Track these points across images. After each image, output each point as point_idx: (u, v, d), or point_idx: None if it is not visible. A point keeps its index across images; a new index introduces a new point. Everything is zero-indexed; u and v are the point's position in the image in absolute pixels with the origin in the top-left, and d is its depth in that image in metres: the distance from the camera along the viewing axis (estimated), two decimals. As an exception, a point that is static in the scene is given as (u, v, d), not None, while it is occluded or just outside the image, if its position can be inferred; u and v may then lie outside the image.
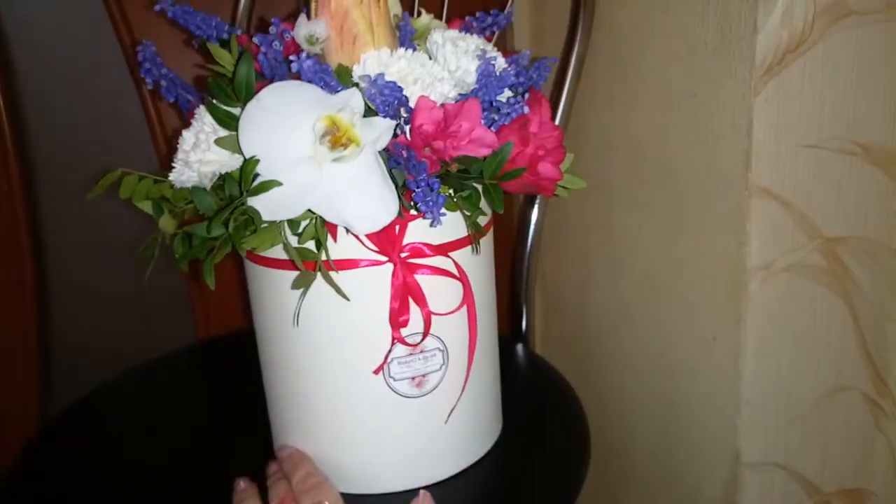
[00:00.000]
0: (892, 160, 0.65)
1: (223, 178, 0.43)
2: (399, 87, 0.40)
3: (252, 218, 0.40)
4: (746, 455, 0.69)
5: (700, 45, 0.65)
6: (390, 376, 0.48)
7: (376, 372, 0.47)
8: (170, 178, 0.44)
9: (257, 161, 0.40)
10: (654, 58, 0.71)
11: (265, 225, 0.41)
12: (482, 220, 0.48)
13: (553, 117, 0.74)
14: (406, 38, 0.47)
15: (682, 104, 0.68)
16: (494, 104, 0.45)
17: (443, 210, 0.41)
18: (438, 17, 0.78)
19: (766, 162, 0.62)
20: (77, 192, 0.88)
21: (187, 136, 0.44)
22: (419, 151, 0.42)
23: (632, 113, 0.75)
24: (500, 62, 0.48)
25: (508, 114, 0.44)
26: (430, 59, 0.47)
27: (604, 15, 0.76)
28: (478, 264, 0.50)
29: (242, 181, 0.40)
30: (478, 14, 0.51)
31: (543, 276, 0.99)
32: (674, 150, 0.70)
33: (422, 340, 0.47)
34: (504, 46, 0.93)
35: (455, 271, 0.48)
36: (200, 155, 0.42)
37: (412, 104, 0.42)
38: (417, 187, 0.40)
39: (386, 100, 0.40)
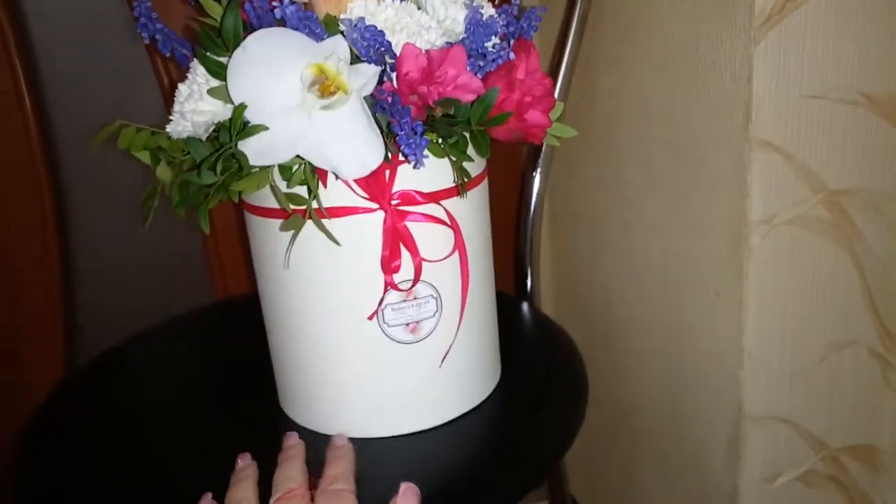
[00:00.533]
0: (899, 110, 0.64)
1: (218, 129, 0.45)
2: (380, 31, 0.41)
3: (241, 164, 0.41)
4: (750, 409, 0.70)
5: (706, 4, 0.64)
6: (384, 322, 0.49)
7: (370, 318, 0.49)
8: (167, 130, 0.46)
9: (245, 107, 0.41)
10: (658, 14, 0.70)
11: (256, 169, 0.42)
12: (473, 168, 0.49)
13: (556, 75, 0.74)
14: None
15: (685, 60, 0.68)
16: (481, 51, 0.45)
17: (427, 153, 0.42)
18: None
19: (767, 113, 0.61)
20: (96, 159, 0.92)
21: (182, 89, 0.46)
22: (405, 97, 0.43)
23: (638, 72, 0.75)
24: (489, 11, 0.48)
25: (494, 60, 0.45)
26: (420, 9, 0.48)
27: None
28: (471, 212, 0.51)
29: (231, 127, 0.41)
30: None
31: (555, 236, 1.00)
32: (677, 106, 0.70)
33: (412, 286, 0.48)
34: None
35: (446, 218, 0.49)
36: (194, 105, 0.44)
37: (398, 52, 0.43)
38: (401, 130, 0.41)
39: (368, 44, 0.41)
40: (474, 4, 0.46)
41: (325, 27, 0.43)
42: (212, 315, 0.80)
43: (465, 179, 0.46)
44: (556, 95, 0.75)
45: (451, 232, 0.49)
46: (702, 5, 0.64)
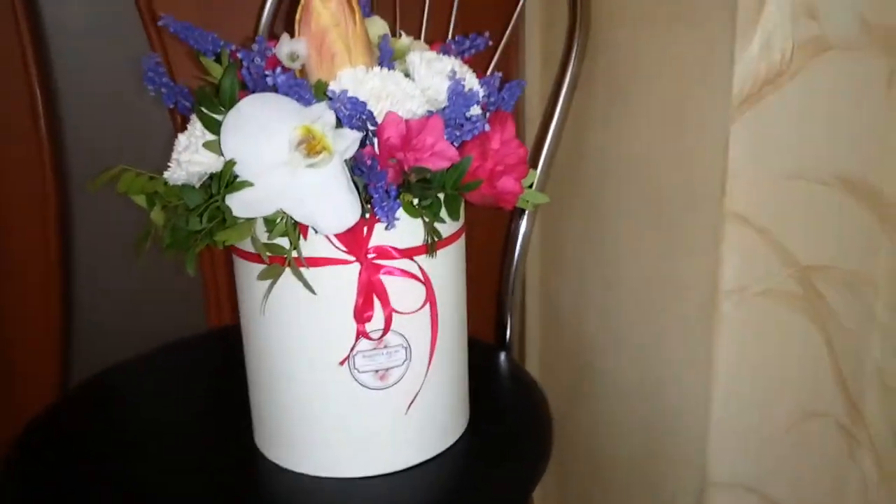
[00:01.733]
0: (871, 194, 0.67)
1: (211, 178, 0.48)
2: (362, 102, 0.44)
3: (225, 216, 0.44)
4: (716, 475, 0.71)
5: (686, 71, 0.68)
6: (355, 368, 0.52)
7: (341, 363, 0.51)
8: (164, 176, 0.49)
9: (234, 163, 0.45)
10: (647, 81, 0.74)
11: (241, 220, 0.46)
12: (447, 229, 0.52)
13: (545, 134, 0.77)
14: (385, 57, 0.51)
15: (669, 127, 0.71)
16: (459, 121, 0.49)
17: (398, 216, 0.45)
18: (443, 38, 0.83)
19: (741, 188, 0.64)
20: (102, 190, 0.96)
21: (181, 139, 0.49)
22: (384, 161, 0.46)
23: (626, 133, 0.78)
24: (472, 82, 0.52)
25: (470, 130, 0.48)
26: (407, 76, 0.51)
27: (604, 37, 0.79)
28: (444, 268, 0.54)
29: (220, 180, 0.44)
30: (456, 37, 0.55)
31: (544, 286, 1.02)
32: (660, 168, 0.73)
33: (382, 335, 0.51)
34: (515, 67, 0.97)
35: (419, 273, 0.51)
36: (190, 156, 0.47)
37: (381, 119, 0.46)
38: (376, 193, 0.44)
39: (349, 113, 0.44)
40: (457, 77, 0.49)
41: (315, 92, 0.47)
42: (206, 342, 0.83)
43: (436, 239, 0.49)
44: (546, 149, 0.78)
45: (423, 286, 0.52)
46: (686, 74, 0.67)
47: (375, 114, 0.47)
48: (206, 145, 0.47)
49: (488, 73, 0.82)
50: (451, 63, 0.52)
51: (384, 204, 0.44)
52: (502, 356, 0.79)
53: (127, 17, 0.88)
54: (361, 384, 0.52)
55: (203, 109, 0.46)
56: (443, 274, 0.54)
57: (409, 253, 0.50)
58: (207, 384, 0.73)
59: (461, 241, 0.56)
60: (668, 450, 0.77)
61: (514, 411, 0.68)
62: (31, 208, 0.93)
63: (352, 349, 0.51)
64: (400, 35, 0.55)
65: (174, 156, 0.49)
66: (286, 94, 0.45)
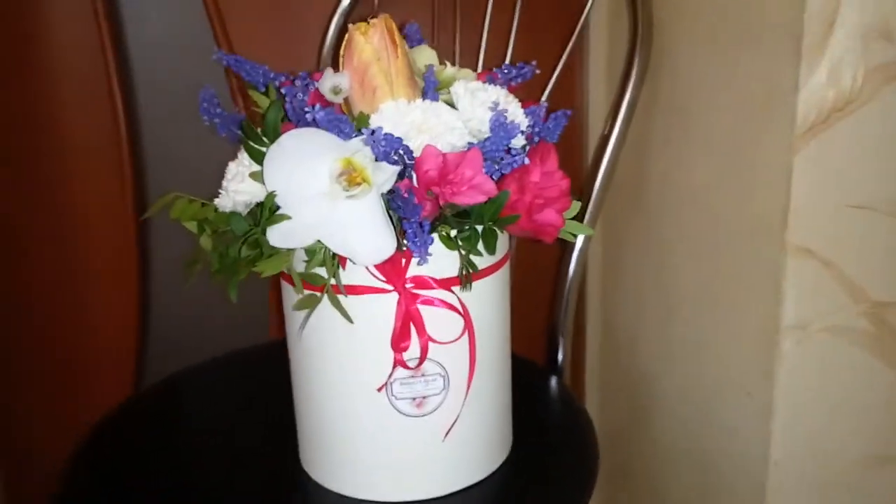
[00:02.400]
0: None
1: (258, 207, 0.50)
2: (397, 139, 0.45)
3: (261, 247, 0.46)
4: (774, 518, 0.68)
5: (748, 97, 0.65)
6: (392, 395, 0.52)
7: (379, 390, 0.52)
8: (215, 203, 0.51)
9: (274, 195, 0.46)
10: (708, 106, 0.71)
11: (280, 251, 0.47)
12: (487, 259, 0.52)
13: (601, 157, 0.76)
14: (429, 88, 0.51)
15: (729, 156, 0.68)
16: (499, 154, 0.48)
17: (433, 248, 0.45)
18: (502, 62, 0.83)
19: (805, 220, 0.61)
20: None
21: (231, 168, 0.51)
22: (421, 195, 0.46)
23: (686, 158, 0.76)
24: (516, 113, 0.51)
25: (510, 164, 0.48)
26: (452, 106, 0.51)
27: (666, 58, 0.77)
28: (485, 298, 0.54)
29: (261, 212, 0.46)
30: (504, 66, 0.55)
31: (604, 306, 1.00)
32: (720, 200, 0.70)
33: (419, 364, 0.51)
34: (578, 89, 0.96)
35: (457, 304, 0.51)
36: (237, 185, 0.49)
37: (419, 152, 0.47)
38: (409, 228, 0.44)
39: (384, 149, 0.45)
40: (499, 108, 0.49)
41: (357, 124, 0.48)
42: (269, 353, 0.85)
43: (471, 272, 0.49)
44: (601, 172, 0.77)
45: (461, 317, 0.52)
46: (749, 100, 0.65)
47: (415, 146, 0.48)
48: (253, 175, 0.48)
49: (545, 95, 0.82)
50: (495, 93, 0.52)
51: (417, 238, 0.44)
52: (553, 381, 0.77)
53: (205, 29, 0.91)
54: (399, 411, 0.53)
55: (249, 141, 0.48)
56: (483, 304, 0.54)
57: (447, 283, 0.51)
58: (264, 397, 0.76)
59: (504, 271, 0.56)
60: (724, 492, 0.74)
61: (560, 439, 0.67)
62: (113, 214, 0.98)
63: (389, 376, 0.52)
64: (446, 65, 0.56)
65: (224, 183, 0.51)
66: (326, 129, 0.46)
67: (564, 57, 0.80)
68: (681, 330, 0.80)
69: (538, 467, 0.62)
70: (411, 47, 0.58)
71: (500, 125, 0.48)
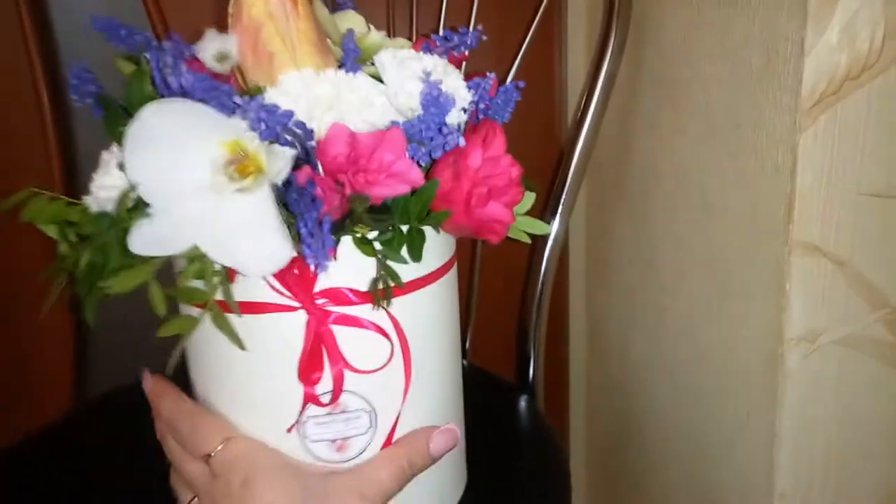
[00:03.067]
0: None
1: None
2: (285, 112, 0.35)
3: (105, 257, 0.35)
4: (779, 559, 0.58)
5: (745, 67, 0.55)
6: (306, 436, 0.42)
7: (289, 431, 0.42)
8: (84, 201, 0.41)
9: (131, 189, 0.36)
10: (699, 80, 0.61)
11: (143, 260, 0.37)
12: (422, 268, 0.42)
13: (576, 138, 0.66)
14: (349, 57, 0.41)
15: (724, 136, 0.58)
16: (429, 135, 0.38)
17: (348, 257, 0.35)
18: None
19: (813, 212, 0.51)
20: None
21: (104, 157, 0.41)
22: (327, 186, 0.36)
23: (677, 139, 0.66)
24: (456, 86, 0.41)
25: (441, 146, 0.37)
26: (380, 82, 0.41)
27: (651, 27, 0.67)
28: (423, 313, 0.43)
29: (118, 210, 0.36)
30: (443, 32, 0.45)
31: (588, 309, 0.90)
32: (714, 188, 0.60)
33: (334, 401, 0.41)
34: (553, 64, 0.86)
35: (387, 323, 0.41)
36: (102, 179, 0.39)
37: (323, 132, 0.37)
38: (304, 228, 0.34)
39: (266, 126, 0.34)
40: (432, 79, 0.39)
41: (251, 97, 0.37)
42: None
43: (391, 285, 0.38)
44: (577, 153, 0.67)
45: (390, 338, 0.41)
46: (745, 70, 0.55)
47: (322, 126, 0.37)
48: (121, 165, 0.38)
49: (513, 69, 0.72)
50: (430, 63, 0.41)
51: (313, 241, 0.34)
52: (522, 401, 0.67)
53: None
54: (316, 456, 0.43)
55: (108, 119, 0.37)
56: (421, 321, 0.43)
57: (371, 297, 0.40)
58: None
59: (448, 279, 0.46)
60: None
61: (527, 469, 0.57)
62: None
63: (300, 415, 0.42)
64: (370, 29, 0.45)
65: (93, 178, 0.40)
66: (203, 101, 0.35)
67: (534, 25, 0.70)
68: (673, 336, 0.70)
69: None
70: (334, 12, 0.48)
71: (433, 100, 0.38)
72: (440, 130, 0.38)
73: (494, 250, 0.80)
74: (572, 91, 0.87)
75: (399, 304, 0.41)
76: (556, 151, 0.88)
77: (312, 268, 0.34)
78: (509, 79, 0.72)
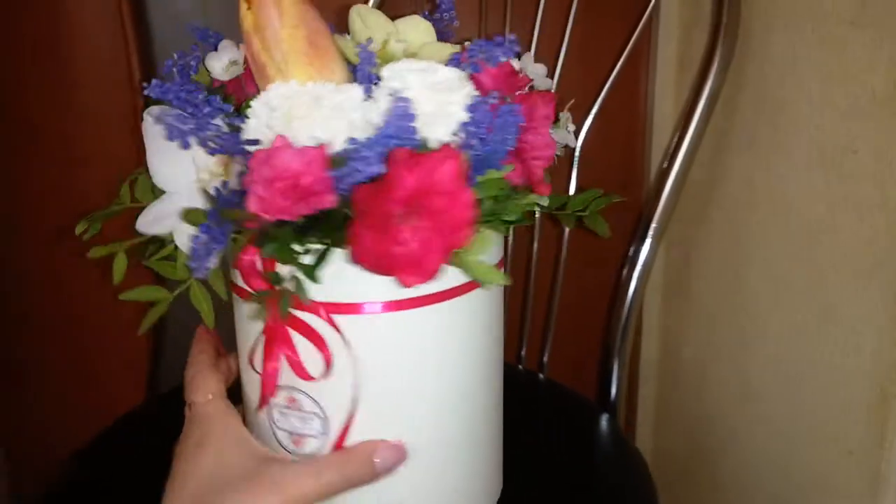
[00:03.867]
0: None
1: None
2: (234, 135, 0.36)
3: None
4: None
5: (866, 91, 0.51)
6: (273, 421, 0.43)
7: (258, 409, 0.43)
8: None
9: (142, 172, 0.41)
10: (808, 101, 0.57)
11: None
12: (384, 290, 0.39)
13: (674, 157, 0.63)
14: (362, 69, 0.40)
15: (837, 161, 0.54)
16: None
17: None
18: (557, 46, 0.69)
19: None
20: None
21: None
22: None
23: (777, 161, 0.62)
24: (451, 105, 0.38)
25: (351, 175, 0.35)
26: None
27: (755, 44, 0.64)
28: (397, 337, 0.41)
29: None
30: (477, 41, 0.41)
31: (664, 326, 0.86)
32: (823, 215, 0.57)
33: (271, 395, 0.41)
34: (644, 74, 0.82)
35: (335, 336, 0.39)
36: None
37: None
38: (203, 227, 0.35)
39: (221, 146, 0.36)
40: (398, 96, 0.37)
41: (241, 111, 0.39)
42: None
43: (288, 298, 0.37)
44: (675, 170, 0.64)
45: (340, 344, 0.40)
46: (866, 101, 0.51)
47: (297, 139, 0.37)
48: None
49: (609, 83, 0.68)
50: (445, 74, 0.39)
51: (197, 242, 0.35)
52: (604, 420, 0.66)
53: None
54: (279, 441, 0.43)
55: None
56: (393, 344, 0.41)
57: (315, 308, 0.39)
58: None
59: (435, 309, 0.40)
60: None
61: (610, 492, 0.56)
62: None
63: (263, 399, 0.42)
64: (389, 39, 0.44)
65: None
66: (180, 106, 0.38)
67: (631, 43, 0.66)
68: (761, 364, 0.66)
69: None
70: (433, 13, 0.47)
71: (400, 117, 0.36)
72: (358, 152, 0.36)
73: (576, 268, 0.78)
74: (657, 107, 0.83)
75: (360, 322, 0.40)
76: (638, 174, 0.85)
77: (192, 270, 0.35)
78: (600, 99, 0.70)
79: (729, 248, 0.70)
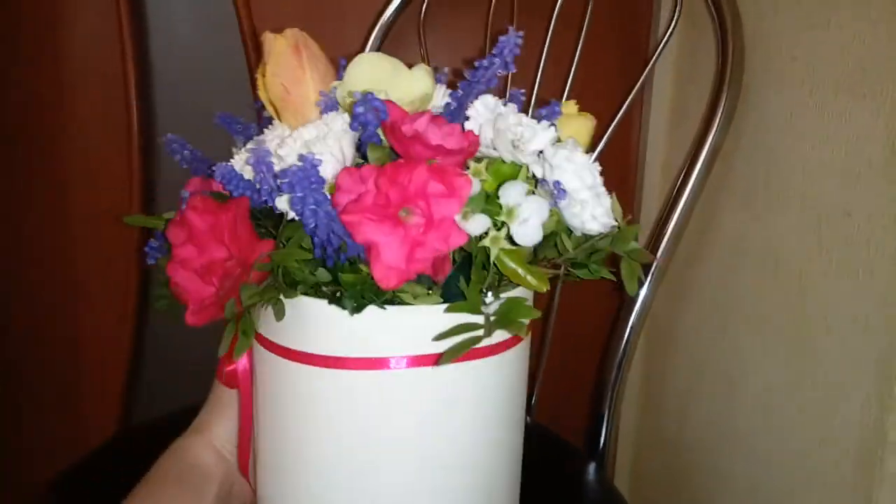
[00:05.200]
0: None
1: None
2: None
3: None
4: None
5: (861, 157, 0.54)
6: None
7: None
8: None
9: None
10: (804, 162, 0.60)
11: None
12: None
13: (675, 204, 0.66)
14: (328, 109, 0.41)
15: (832, 224, 0.57)
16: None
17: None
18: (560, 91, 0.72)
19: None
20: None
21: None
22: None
23: (770, 218, 0.64)
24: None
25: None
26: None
27: (753, 99, 0.66)
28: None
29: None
30: (479, 63, 0.40)
31: (645, 373, 0.88)
32: (816, 275, 0.59)
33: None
34: (638, 123, 0.85)
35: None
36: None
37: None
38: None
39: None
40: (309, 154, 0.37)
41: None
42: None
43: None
44: (675, 217, 0.66)
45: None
46: (862, 167, 0.53)
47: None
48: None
49: (608, 132, 0.71)
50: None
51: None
52: (591, 469, 0.66)
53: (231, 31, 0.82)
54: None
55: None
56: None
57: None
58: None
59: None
60: None
61: None
62: (116, 233, 0.89)
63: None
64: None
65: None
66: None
67: (627, 103, 0.70)
68: (746, 415, 0.68)
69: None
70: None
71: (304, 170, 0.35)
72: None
73: (568, 317, 0.79)
74: (649, 159, 0.86)
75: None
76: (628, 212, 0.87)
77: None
78: (596, 151, 0.71)
79: (717, 296, 0.72)
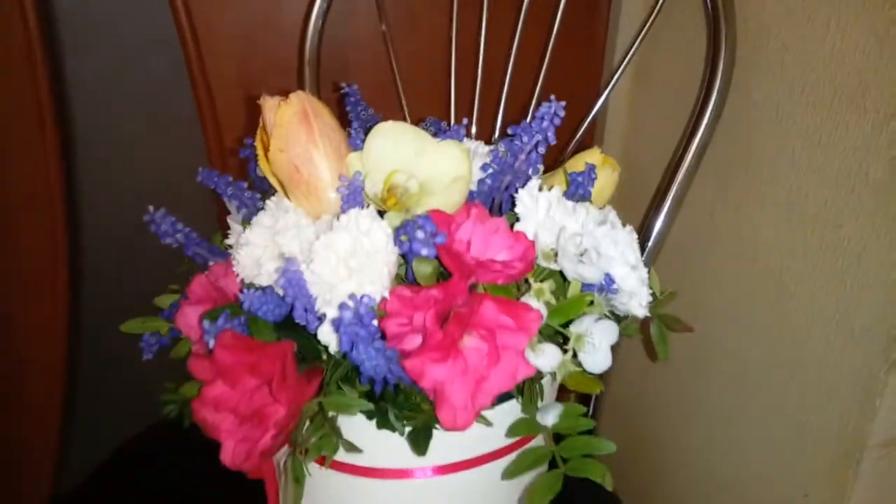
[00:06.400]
0: None
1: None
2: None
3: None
4: None
5: (860, 173, 0.53)
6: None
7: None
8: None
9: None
10: (794, 165, 0.59)
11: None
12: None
13: (661, 206, 0.64)
14: (352, 195, 0.38)
15: (821, 233, 0.57)
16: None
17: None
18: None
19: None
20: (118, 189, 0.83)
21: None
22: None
23: (754, 214, 0.63)
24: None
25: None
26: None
27: (735, 95, 0.64)
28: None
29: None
30: (514, 129, 0.38)
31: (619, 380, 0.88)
32: (797, 275, 0.59)
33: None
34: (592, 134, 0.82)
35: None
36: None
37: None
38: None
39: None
40: (290, 259, 0.35)
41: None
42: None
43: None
44: (657, 228, 0.64)
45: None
46: (857, 183, 0.53)
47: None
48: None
49: (572, 143, 0.68)
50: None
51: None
52: None
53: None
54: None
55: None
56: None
57: None
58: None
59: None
60: None
61: None
62: (39, 213, 0.80)
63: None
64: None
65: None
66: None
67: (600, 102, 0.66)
68: (726, 418, 0.69)
69: None
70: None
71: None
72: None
73: None
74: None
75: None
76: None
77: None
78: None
79: (688, 289, 0.70)
